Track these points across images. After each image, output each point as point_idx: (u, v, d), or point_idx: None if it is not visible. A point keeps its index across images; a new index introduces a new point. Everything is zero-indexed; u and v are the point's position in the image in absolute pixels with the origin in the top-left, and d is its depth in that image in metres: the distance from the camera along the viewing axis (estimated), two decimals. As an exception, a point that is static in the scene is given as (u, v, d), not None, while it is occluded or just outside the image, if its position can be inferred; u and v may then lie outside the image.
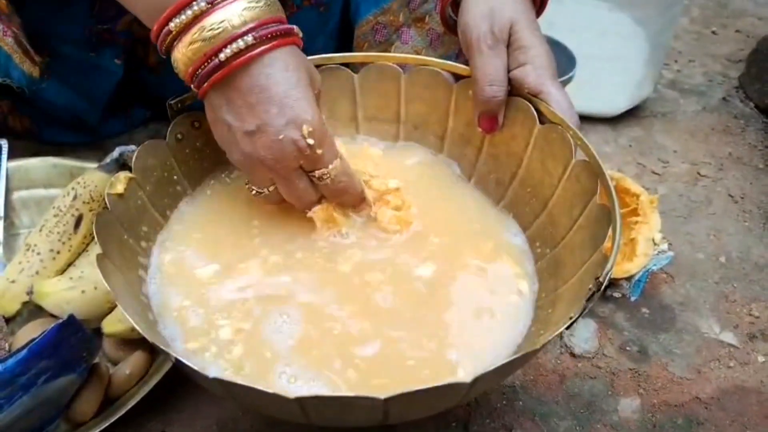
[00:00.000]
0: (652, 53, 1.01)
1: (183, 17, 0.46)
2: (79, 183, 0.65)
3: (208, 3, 0.46)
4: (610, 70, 1.01)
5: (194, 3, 0.46)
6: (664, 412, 0.64)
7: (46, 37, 0.72)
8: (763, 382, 0.67)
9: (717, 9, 1.44)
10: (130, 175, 0.53)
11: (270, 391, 0.37)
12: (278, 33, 0.48)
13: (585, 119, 1.02)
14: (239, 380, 0.38)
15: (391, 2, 0.72)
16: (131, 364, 0.58)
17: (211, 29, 0.46)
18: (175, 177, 0.58)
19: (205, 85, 0.48)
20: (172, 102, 0.57)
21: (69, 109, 0.80)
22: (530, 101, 0.56)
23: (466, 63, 0.59)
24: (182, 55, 0.48)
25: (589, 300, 0.43)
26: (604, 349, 0.69)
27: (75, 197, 0.64)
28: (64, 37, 0.73)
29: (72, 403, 0.54)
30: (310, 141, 0.49)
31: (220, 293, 0.52)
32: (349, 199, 0.55)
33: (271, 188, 0.53)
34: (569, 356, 0.68)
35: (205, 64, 0.47)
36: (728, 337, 0.72)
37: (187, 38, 0.47)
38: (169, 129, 0.57)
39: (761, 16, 1.41)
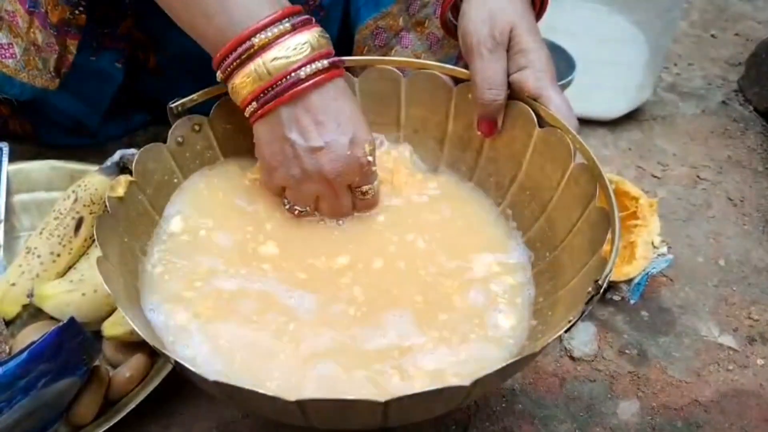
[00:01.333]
0: (652, 57, 1.01)
1: (269, 33, 0.50)
2: (79, 186, 0.65)
3: (291, 26, 0.51)
4: (610, 73, 1.01)
5: (279, 23, 0.50)
6: (664, 415, 0.64)
7: None
8: (762, 385, 0.67)
9: (716, 13, 1.44)
10: (130, 178, 0.53)
11: (270, 393, 0.37)
12: (340, 63, 0.54)
13: (584, 123, 1.02)
14: (239, 383, 0.38)
15: (391, 6, 0.72)
16: (131, 366, 0.58)
17: (295, 48, 0.50)
18: (175, 180, 0.58)
19: (276, 101, 0.51)
20: (173, 105, 0.57)
21: (70, 114, 0.81)
22: (530, 105, 0.57)
23: (466, 67, 0.59)
24: (262, 70, 0.50)
25: (588, 303, 0.43)
26: (604, 352, 0.69)
27: (75, 200, 0.64)
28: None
29: (72, 406, 0.54)
30: (370, 158, 0.54)
31: (222, 293, 0.52)
32: (372, 208, 0.60)
33: (311, 206, 0.57)
34: (569, 359, 0.68)
35: (285, 79, 0.50)
36: (727, 340, 0.72)
37: (271, 53, 0.50)
38: (170, 132, 0.57)
39: (760, 20, 1.41)
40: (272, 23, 0.50)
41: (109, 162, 0.67)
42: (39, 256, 0.62)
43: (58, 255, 0.63)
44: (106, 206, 0.50)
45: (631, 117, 1.07)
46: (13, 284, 0.61)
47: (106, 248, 0.48)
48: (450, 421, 0.61)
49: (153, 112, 0.90)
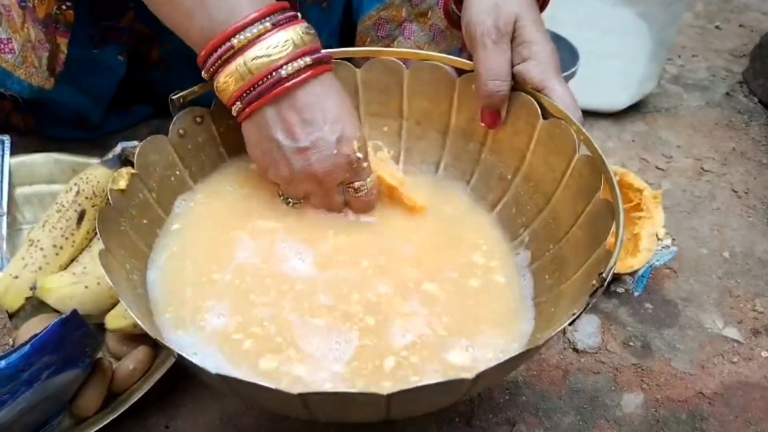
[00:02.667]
0: (656, 48, 1.00)
1: (248, 34, 0.49)
2: (81, 178, 0.65)
3: (272, 24, 0.50)
4: (614, 65, 1.00)
5: (260, 22, 0.49)
6: (668, 408, 0.64)
7: None
8: (767, 377, 0.67)
9: (721, 4, 1.43)
10: (132, 170, 0.53)
11: (272, 386, 0.37)
12: (327, 59, 0.53)
13: (588, 114, 1.02)
14: (242, 376, 0.38)
15: (394, -3, 0.71)
16: (134, 359, 0.58)
17: (276, 46, 0.49)
18: (177, 172, 0.58)
19: (259, 101, 0.50)
20: (174, 97, 0.57)
21: (72, 107, 0.80)
22: (533, 96, 0.56)
23: (469, 58, 0.59)
24: (244, 69, 0.50)
25: (592, 295, 0.43)
26: (608, 345, 0.69)
27: (77, 193, 0.64)
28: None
29: (75, 398, 0.54)
30: (359, 154, 0.53)
31: (224, 287, 0.52)
32: (369, 209, 0.59)
33: (303, 199, 0.57)
34: (572, 351, 0.68)
35: (265, 79, 0.50)
36: (732, 332, 0.72)
37: (251, 52, 0.49)
38: (172, 124, 0.57)
39: (765, 11, 1.41)
40: (252, 22, 0.49)
41: (111, 155, 0.66)
42: (42, 249, 0.62)
43: (61, 248, 0.63)
44: (108, 199, 0.50)
45: (635, 109, 1.06)
46: (16, 277, 0.61)
47: (109, 241, 0.48)
48: (453, 413, 0.61)
49: (155, 105, 0.90)
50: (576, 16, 0.98)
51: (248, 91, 0.50)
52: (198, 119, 0.59)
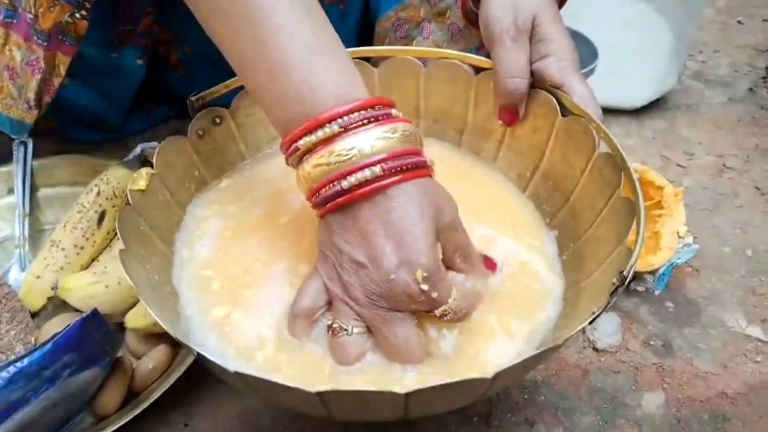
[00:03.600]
0: (676, 44, 0.99)
1: (313, 137, 0.44)
2: (101, 180, 0.66)
3: (340, 127, 0.43)
4: (633, 61, 1.00)
5: (327, 125, 0.44)
6: (689, 408, 0.63)
7: None
8: (791, 378, 0.66)
9: (743, -2, 1.41)
10: (152, 171, 0.53)
11: (291, 384, 0.37)
12: (409, 166, 0.44)
13: (607, 111, 1.00)
14: (260, 374, 0.38)
15: (412, -3, 0.71)
16: (154, 357, 0.58)
17: (339, 155, 0.43)
18: (196, 173, 0.58)
19: (325, 207, 0.45)
20: (193, 98, 0.57)
21: (91, 111, 0.81)
22: (552, 93, 0.56)
23: (487, 56, 0.58)
24: (306, 173, 0.45)
25: (612, 294, 0.42)
26: (628, 344, 0.68)
27: (98, 194, 0.65)
28: (87, 39, 0.73)
29: (96, 397, 0.55)
30: (424, 287, 0.44)
31: (242, 287, 0.52)
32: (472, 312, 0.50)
33: (357, 330, 0.47)
34: (592, 351, 0.68)
35: (328, 187, 0.44)
36: (755, 331, 0.71)
37: (314, 159, 0.44)
38: (190, 125, 0.57)
39: (789, 5, 1.38)
40: (318, 126, 0.44)
41: (130, 155, 0.67)
42: (63, 249, 0.63)
43: (82, 248, 0.64)
44: (128, 199, 0.50)
45: (655, 105, 1.05)
46: (38, 277, 0.62)
47: (129, 241, 0.48)
48: (472, 412, 0.61)
49: (174, 106, 0.91)
50: (595, 12, 0.97)
51: (315, 196, 0.46)
52: (217, 120, 0.59)
